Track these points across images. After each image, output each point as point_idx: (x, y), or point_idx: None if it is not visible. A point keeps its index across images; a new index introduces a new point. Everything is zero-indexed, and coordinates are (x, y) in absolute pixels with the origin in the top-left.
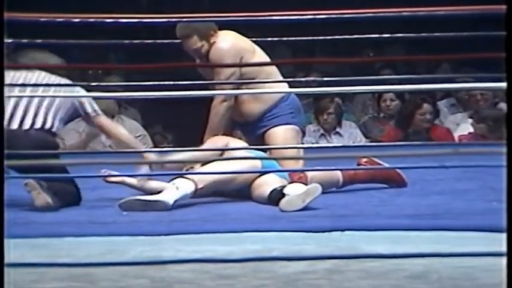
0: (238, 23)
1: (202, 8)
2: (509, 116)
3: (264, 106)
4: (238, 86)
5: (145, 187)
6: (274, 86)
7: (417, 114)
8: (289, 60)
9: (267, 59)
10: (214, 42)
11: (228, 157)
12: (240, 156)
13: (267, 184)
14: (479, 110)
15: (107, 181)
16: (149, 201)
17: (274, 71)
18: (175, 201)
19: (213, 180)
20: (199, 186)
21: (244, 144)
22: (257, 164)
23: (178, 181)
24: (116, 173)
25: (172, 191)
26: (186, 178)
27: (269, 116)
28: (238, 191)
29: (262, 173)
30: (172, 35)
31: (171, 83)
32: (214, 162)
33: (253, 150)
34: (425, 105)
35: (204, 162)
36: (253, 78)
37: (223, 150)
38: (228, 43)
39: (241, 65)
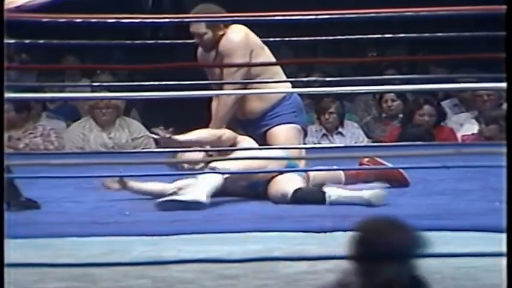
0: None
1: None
2: (509, 116)
3: (267, 104)
4: (244, 82)
5: (148, 190)
6: (277, 85)
7: (417, 115)
8: (292, 60)
9: (273, 59)
10: (222, 34)
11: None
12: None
13: (288, 181)
14: (486, 111)
15: (108, 187)
16: (186, 201)
17: (279, 71)
18: (207, 196)
19: (241, 169)
20: (225, 176)
21: (252, 141)
22: (282, 163)
23: (204, 176)
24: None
25: (204, 187)
26: (213, 170)
27: (271, 114)
28: (252, 188)
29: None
30: (174, 36)
31: (174, 83)
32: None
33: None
34: (426, 107)
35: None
36: (259, 76)
37: (233, 150)
38: (240, 35)
39: (245, 65)
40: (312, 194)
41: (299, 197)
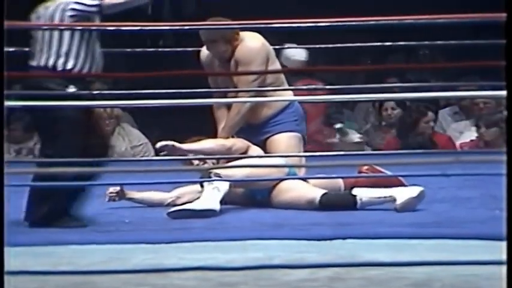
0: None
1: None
2: (509, 123)
3: (270, 111)
4: (251, 90)
5: (148, 200)
6: (281, 93)
7: (422, 123)
8: (292, 67)
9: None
10: (237, 44)
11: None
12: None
13: (295, 189)
14: (487, 115)
15: (113, 199)
16: (199, 210)
17: (284, 79)
18: (220, 202)
19: (244, 177)
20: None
21: (261, 151)
22: (284, 171)
23: (213, 184)
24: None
25: (214, 194)
26: (219, 177)
27: (274, 121)
28: (249, 196)
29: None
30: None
31: (176, 91)
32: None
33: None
34: (430, 113)
35: (230, 166)
36: (272, 84)
37: (240, 158)
38: (258, 42)
39: (242, 73)
40: (342, 197)
41: (328, 202)
